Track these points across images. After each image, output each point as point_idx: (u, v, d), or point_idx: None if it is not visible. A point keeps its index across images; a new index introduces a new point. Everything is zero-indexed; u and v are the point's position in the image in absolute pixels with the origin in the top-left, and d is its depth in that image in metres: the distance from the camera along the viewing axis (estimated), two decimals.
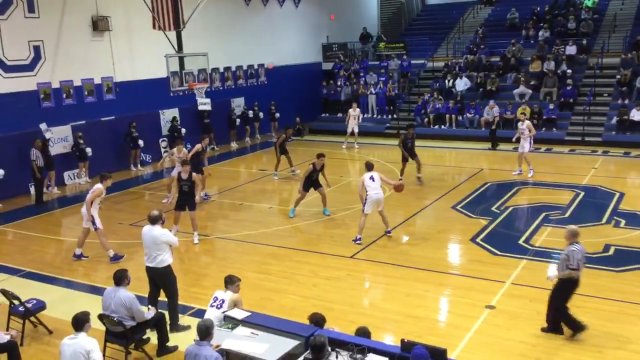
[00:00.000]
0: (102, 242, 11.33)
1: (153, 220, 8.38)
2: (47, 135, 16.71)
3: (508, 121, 21.68)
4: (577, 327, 7.79)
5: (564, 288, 7.74)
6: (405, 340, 5.89)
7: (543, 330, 7.98)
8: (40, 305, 8.59)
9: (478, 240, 11.63)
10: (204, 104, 20.76)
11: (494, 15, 29.74)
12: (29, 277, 10.75)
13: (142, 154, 19.69)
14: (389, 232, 12.02)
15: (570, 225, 8.27)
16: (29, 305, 8.41)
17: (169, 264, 8.33)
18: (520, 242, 11.47)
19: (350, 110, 21.78)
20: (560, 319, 7.86)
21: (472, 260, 10.71)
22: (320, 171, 13.57)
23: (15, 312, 8.43)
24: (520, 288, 9.39)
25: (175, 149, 15.12)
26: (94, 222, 11.14)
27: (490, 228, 12.30)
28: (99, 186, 11.16)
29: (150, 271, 8.35)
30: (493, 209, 13.59)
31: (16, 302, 8.42)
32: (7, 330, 8.04)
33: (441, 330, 8.27)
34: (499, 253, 10.90)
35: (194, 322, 8.00)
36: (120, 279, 7.50)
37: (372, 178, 11.76)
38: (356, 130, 21.78)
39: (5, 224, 14.07)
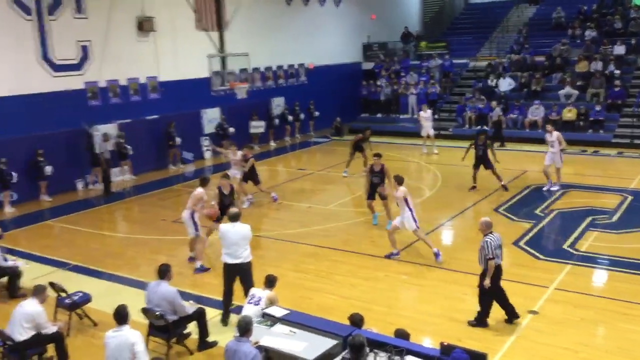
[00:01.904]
0: (197, 249, 10.89)
1: (235, 218, 8.44)
2: (94, 133, 17.15)
3: (553, 122, 21.16)
4: (484, 320, 8.22)
5: (491, 278, 8.05)
6: (445, 344, 5.82)
7: (470, 323, 8.29)
8: (86, 298, 8.83)
9: (521, 244, 11.40)
10: (258, 127, 21.11)
11: (539, 14, 29.13)
12: (75, 271, 11.06)
13: (183, 153, 20.00)
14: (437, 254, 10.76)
15: (484, 217, 8.48)
16: (75, 298, 8.67)
17: (251, 259, 8.45)
18: (565, 246, 11.19)
19: (421, 112, 20.65)
20: (503, 308, 8.24)
21: (514, 264, 10.49)
22: (380, 174, 12.43)
23: (62, 304, 8.69)
24: (564, 294, 9.17)
25: (229, 151, 15.01)
26: (196, 228, 10.76)
27: (533, 232, 12.04)
28: (199, 190, 10.71)
29: (234, 267, 8.35)
30: (537, 212, 13.30)
31: (63, 294, 8.68)
32: (54, 321, 8.29)
33: (481, 335, 8.13)
34: (543, 257, 10.67)
35: (233, 318, 8.12)
36: (164, 272, 7.65)
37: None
38: (431, 132, 20.34)
39: (53, 219, 14.53)
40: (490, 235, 8.07)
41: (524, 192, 15.02)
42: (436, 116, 23.99)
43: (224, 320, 8.56)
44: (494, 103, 21.82)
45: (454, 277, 9.94)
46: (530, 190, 15.21)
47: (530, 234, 11.91)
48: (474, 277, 9.91)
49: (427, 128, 20.26)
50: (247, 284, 8.26)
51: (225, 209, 11.19)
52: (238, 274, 8.41)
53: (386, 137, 23.24)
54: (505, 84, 23.42)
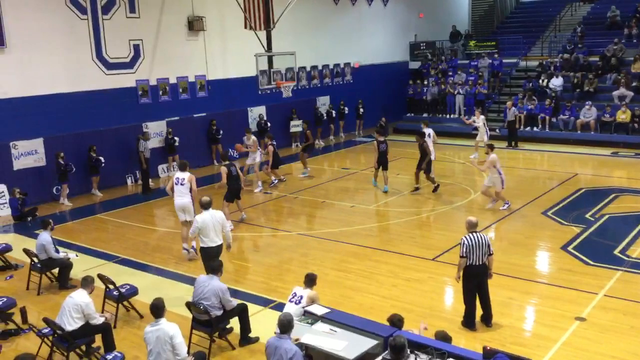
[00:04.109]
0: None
1: (208, 205, 9.33)
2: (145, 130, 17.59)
3: (606, 124, 20.59)
4: (468, 321, 8.21)
5: (464, 277, 8.19)
6: (488, 348, 5.72)
7: (462, 324, 8.30)
8: (133, 291, 9.07)
9: (570, 248, 11.10)
10: (296, 125, 21.35)
11: (593, 12, 28.24)
12: (123, 264, 11.38)
13: (230, 150, 20.25)
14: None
15: (470, 216, 8.51)
16: (122, 290, 8.91)
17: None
18: (616, 252, 10.83)
19: (473, 117, 19.55)
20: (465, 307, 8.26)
21: (562, 269, 10.24)
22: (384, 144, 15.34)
23: (110, 296, 8.97)
24: (614, 301, 8.89)
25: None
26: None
27: (583, 236, 11.70)
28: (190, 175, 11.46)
29: (212, 250, 9.21)
30: (587, 216, 12.92)
31: (111, 286, 8.94)
32: (102, 312, 8.55)
33: (526, 340, 7.97)
34: (592, 263, 10.36)
35: (274, 315, 8.17)
36: (217, 269, 7.86)
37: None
38: (485, 138, 18.71)
39: (104, 213, 14.99)
40: (470, 234, 8.10)
41: (574, 195, 14.60)
42: (484, 117, 23.59)
43: None
44: (509, 103, 21.21)
45: (499, 281, 9.73)
46: (581, 193, 14.78)
47: (580, 239, 11.58)
48: (519, 281, 9.78)
49: (482, 133, 19.02)
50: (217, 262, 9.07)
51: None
52: (214, 255, 9.18)
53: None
54: (557, 84, 22.80)
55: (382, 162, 15.35)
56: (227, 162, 13.20)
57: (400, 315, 6.71)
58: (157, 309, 6.47)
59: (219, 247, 9.34)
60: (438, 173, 17.10)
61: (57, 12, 15.92)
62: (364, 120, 24.70)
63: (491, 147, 13.57)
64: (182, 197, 11.17)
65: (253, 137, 16.76)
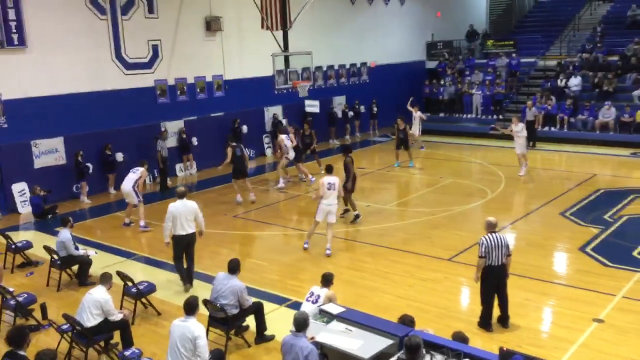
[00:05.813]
0: (141, 212, 13.29)
1: (183, 195, 9.64)
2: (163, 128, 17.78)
3: (626, 124, 20.35)
4: (484, 322, 8.18)
5: (482, 277, 8.13)
6: (504, 349, 5.70)
7: (479, 325, 8.23)
8: (151, 288, 9.16)
9: (587, 249, 11.00)
10: (312, 105, 21.30)
11: (613, 11, 27.91)
12: (141, 261, 11.51)
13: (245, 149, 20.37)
14: (328, 249, 11.20)
15: (489, 217, 8.37)
16: (140, 287, 9.00)
17: (195, 230, 9.80)
18: (635, 254, 10.71)
19: (512, 126, 16.81)
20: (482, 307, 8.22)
21: (579, 270, 10.16)
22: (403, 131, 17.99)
23: (128, 293, 9.05)
24: (633, 302, 8.80)
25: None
26: (137, 196, 13.17)
27: (601, 237, 11.59)
28: (143, 170, 13.34)
29: (185, 238, 9.61)
30: (605, 217, 12.79)
31: (129, 283, 9.04)
32: (121, 309, 8.65)
33: (542, 341, 7.92)
34: (611, 264, 10.25)
35: (290, 313, 8.21)
36: (236, 267, 7.93)
37: (330, 186, 11.05)
38: (523, 150, 16.67)
39: (122, 210, 15.10)
40: (488, 235, 8.04)
41: (592, 196, 14.46)
42: (500, 116, 23.45)
43: (186, 285, 9.77)
44: (529, 103, 21.02)
45: (516, 282, 9.67)
46: (600, 194, 14.63)
47: (598, 240, 11.47)
48: (536, 282, 9.72)
49: (521, 146, 16.61)
50: (192, 253, 9.78)
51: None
52: (187, 243, 9.67)
53: (449, 137, 22.92)
54: (575, 83, 22.59)
55: (403, 143, 18.02)
56: (234, 144, 14.68)
57: (412, 316, 6.68)
58: (189, 307, 6.57)
59: (190, 236, 9.64)
60: (455, 173, 17.06)
61: (77, 12, 16.11)
62: (378, 119, 24.66)
63: (329, 170, 11.65)
64: (127, 184, 13.16)
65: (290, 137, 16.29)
